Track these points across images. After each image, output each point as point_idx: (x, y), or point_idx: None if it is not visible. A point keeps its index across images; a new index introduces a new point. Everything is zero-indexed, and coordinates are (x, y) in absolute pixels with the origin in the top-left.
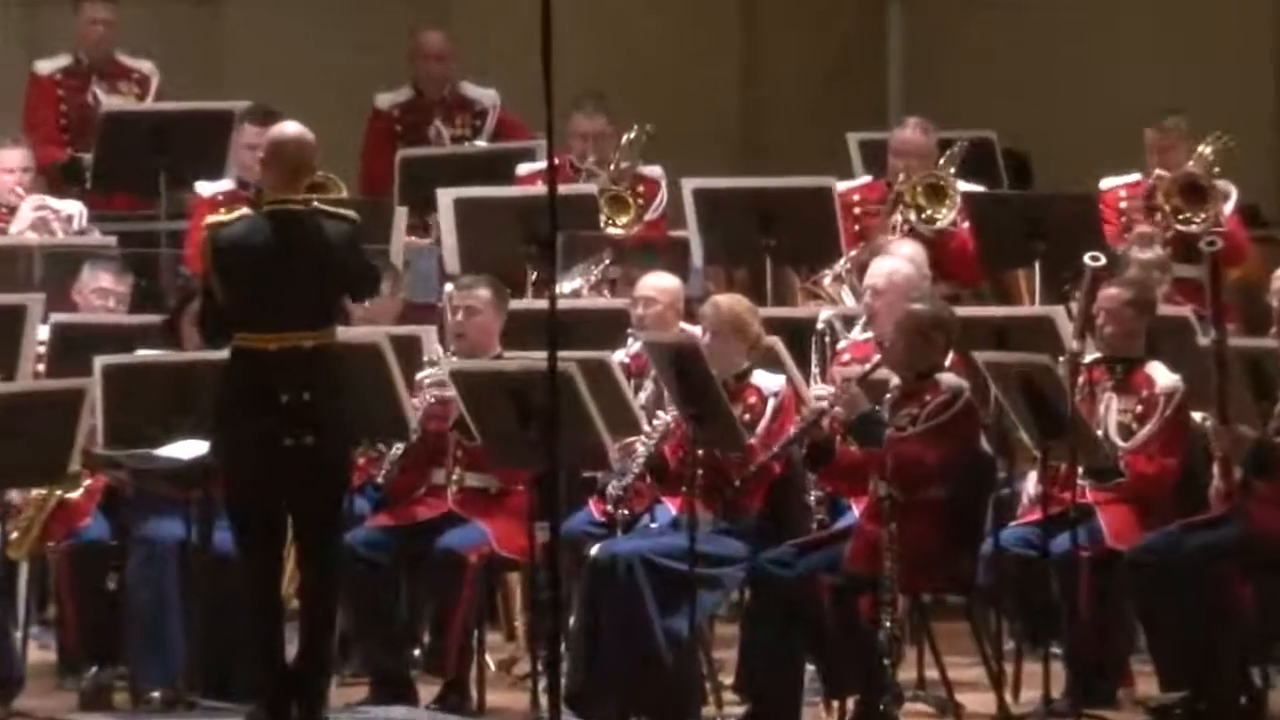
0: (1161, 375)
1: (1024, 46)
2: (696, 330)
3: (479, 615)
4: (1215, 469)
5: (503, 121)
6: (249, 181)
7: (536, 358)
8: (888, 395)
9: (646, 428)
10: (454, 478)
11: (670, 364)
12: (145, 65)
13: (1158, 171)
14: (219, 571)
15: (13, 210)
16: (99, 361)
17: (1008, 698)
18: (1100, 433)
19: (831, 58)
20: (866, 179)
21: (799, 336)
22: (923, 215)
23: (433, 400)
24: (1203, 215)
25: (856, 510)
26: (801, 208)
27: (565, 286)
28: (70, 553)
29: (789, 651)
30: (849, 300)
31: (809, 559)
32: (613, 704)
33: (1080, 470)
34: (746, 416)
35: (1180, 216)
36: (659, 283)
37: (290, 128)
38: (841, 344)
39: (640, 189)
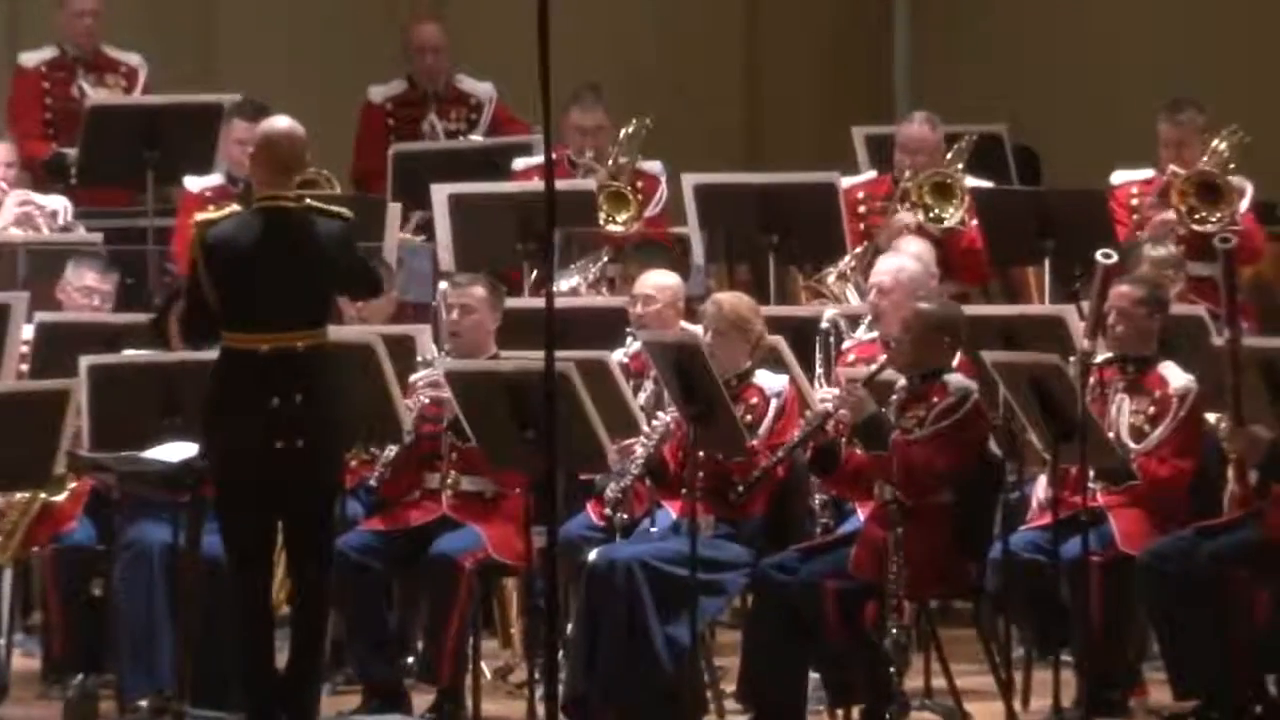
0: (1175, 376)
1: (1033, 38)
2: (697, 329)
3: (474, 622)
4: (1230, 472)
5: (499, 115)
6: (238, 177)
7: (533, 358)
8: (894, 397)
9: (646, 429)
10: (448, 481)
11: (670, 364)
12: (133, 58)
13: (1172, 167)
14: (208, 577)
15: None
16: (85, 362)
17: (1017, 706)
18: (1112, 435)
19: (837, 49)
20: (872, 174)
21: (802, 336)
22: (930, 214)
23: (427, 401)
24: (1218, 215)
25: (862, 514)
26: (805, 203)
27: (563, 284)
28: (55, 558)
29: (792, 659)
30: (854, 299)
31: (813, 564)
32: (611, 713)
33: (1091, 473)
34: (748, 417)
35: (1195, 216)
36: (659, 280)
37: (281, 122)
38: (846, 344)
39: (640, 184)
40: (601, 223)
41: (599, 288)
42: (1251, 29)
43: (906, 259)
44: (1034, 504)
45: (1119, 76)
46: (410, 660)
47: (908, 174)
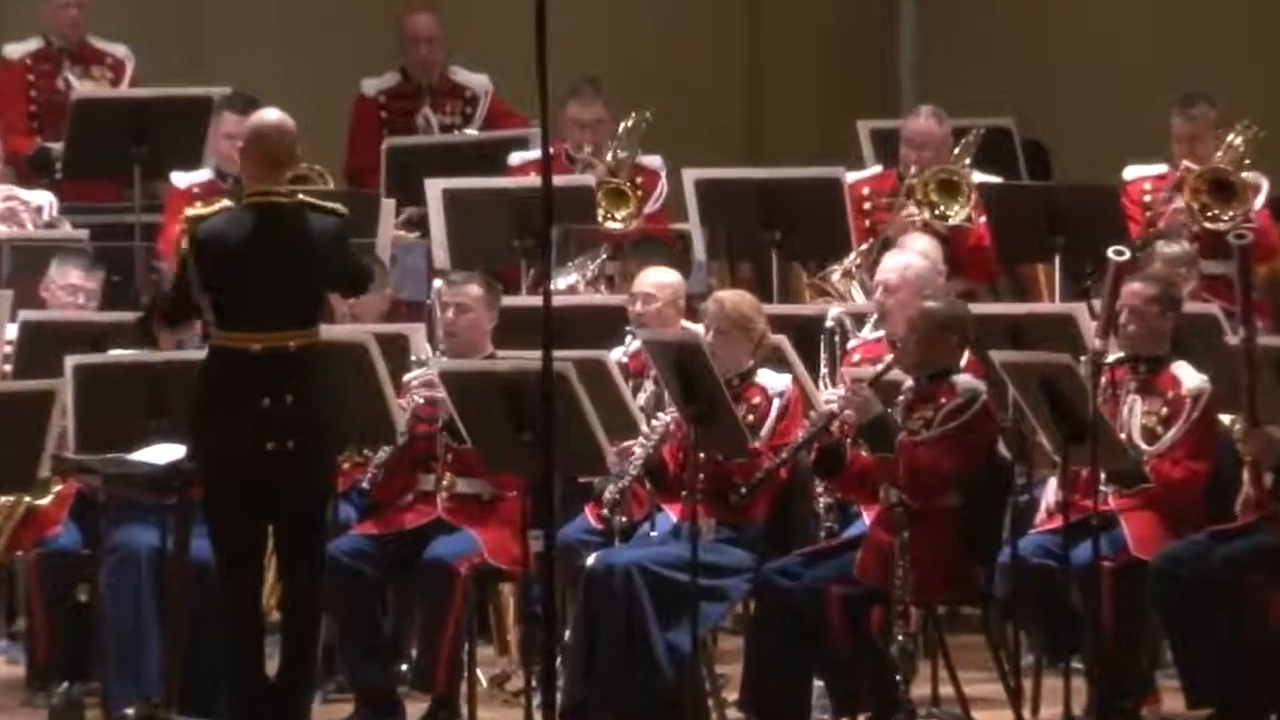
0: (1188, 375)
1: (1043, 30)
2: (698, 328)
3: (470, 628)
4: (1245, 474)
5: (494, 109)
6: (228, 172)
7: (530, 357)
8: (900, 398)
9: (645, 429)
10: (443, 483)
11: (671, 363)
12: (119, 50)
13: (1185, 163)
14: (196, 582)
15: None
16: (70, 361)
17: (1026, 715)
18: (1123, 436)
19: (841, 42)
20: (877, 169)
21: (806, 335)
22: (935, 212)
23: (421, 402)
24: (1230, 213)
25: (867, 518)
26: (809, 199)
27: (561, 282)
28: (40, 562)
29: (796, 666)
30: (859, 297)
31: (817, 569)
32: None
33: (1103, 476)
34: (750, 417)
35: (1209, 214)
36: (659, 278)
37: (271, 115)
38: (851, 343)
39: (639, 180)
40: (600, 219)
41: (598, 286)
42: (1266, 20)
43: (913, 256)
44: (1044, 507)
45: (1128, 69)
46: (404, 667)
47: (914, 169)
